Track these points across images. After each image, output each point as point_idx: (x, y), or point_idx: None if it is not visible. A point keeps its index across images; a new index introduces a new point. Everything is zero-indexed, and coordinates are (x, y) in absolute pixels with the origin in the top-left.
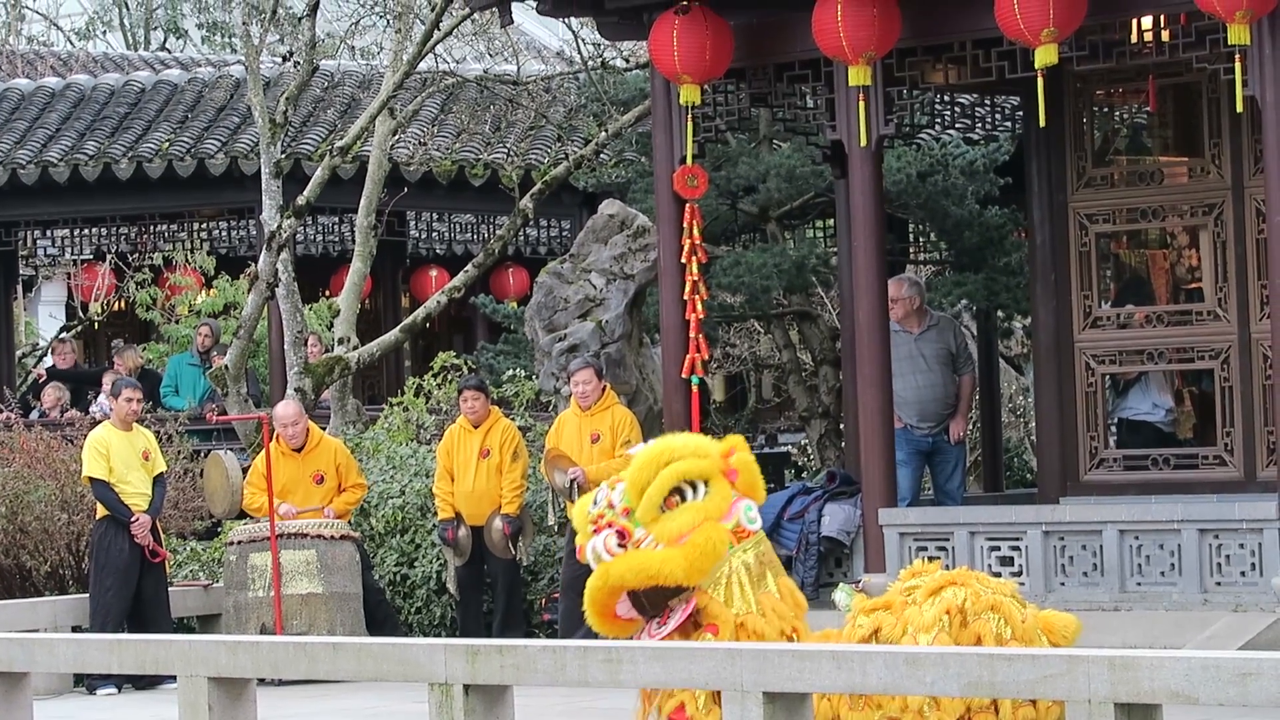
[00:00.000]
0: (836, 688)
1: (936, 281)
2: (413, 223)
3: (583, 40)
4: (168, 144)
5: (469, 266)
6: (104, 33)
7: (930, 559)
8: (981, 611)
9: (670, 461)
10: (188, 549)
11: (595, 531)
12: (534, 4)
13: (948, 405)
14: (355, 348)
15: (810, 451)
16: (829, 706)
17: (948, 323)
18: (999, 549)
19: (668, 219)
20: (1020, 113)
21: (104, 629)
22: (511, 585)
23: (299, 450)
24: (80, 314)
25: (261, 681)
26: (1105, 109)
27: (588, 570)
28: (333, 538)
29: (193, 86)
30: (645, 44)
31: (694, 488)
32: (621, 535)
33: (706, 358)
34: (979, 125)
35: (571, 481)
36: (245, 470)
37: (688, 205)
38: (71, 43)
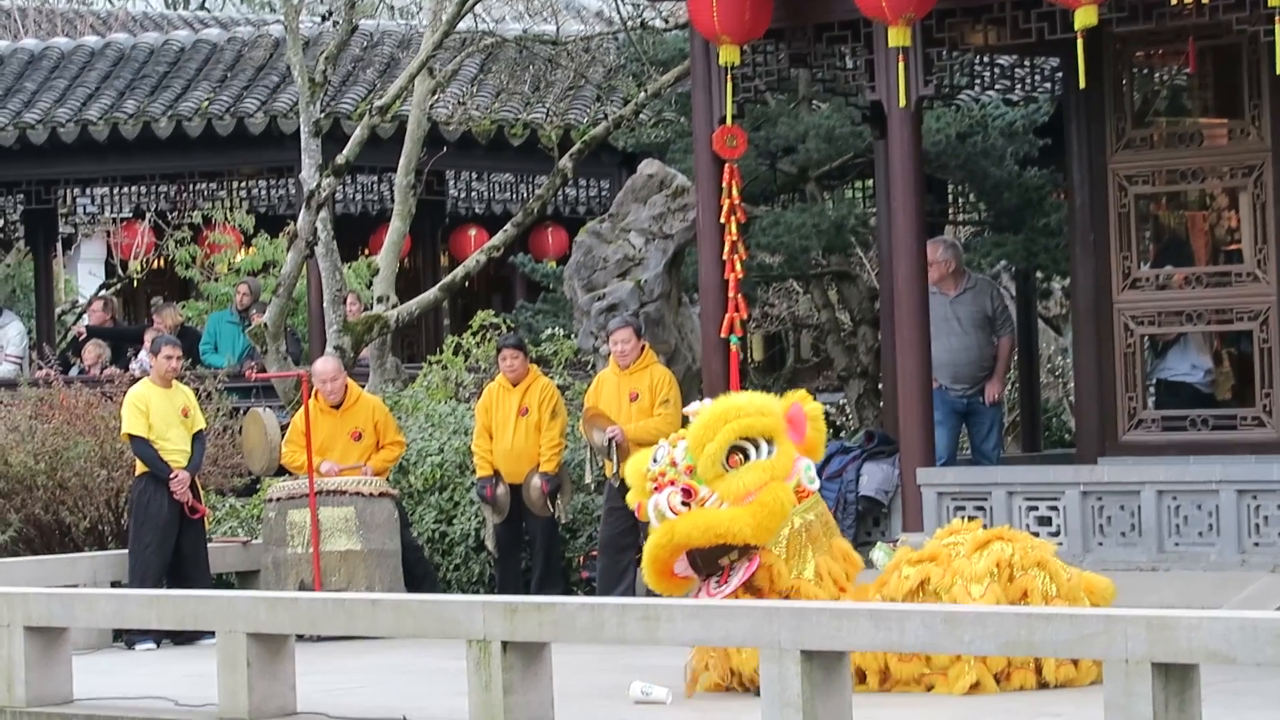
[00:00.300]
0: (874, 646)
1: (975, 242)
2: (452, 182)
3: (622, 0)
4: (207, 103)
5: (508, 226)
6: None
7: (968, 519)
8: (1029, 567)
9: (732, 418)
10: (226, 505)
11: (656, 489)
12: None
13: (982, 368)
14: (394, 306)
15: (848, 411)
16: (875, 659)
17: (985, 285)
18: (1037, 509)
19: (707, 179)
20: (1060, 74)
21: (143, 585)
22: (550, 543)
23: (337, 407)
24: (120, 272)
25: (300, 637)
26: (1145, 70)
27: (626, 528)
28: (371, 495)
29: (232, 45)
30: (684, 4)
31: (757, 446)
32: (687, 493)
33: (745, 317)
34: (1018, 86)
35: (610, 440)
36: (284, 427)
37: (727, 165)
38: (110, 2)
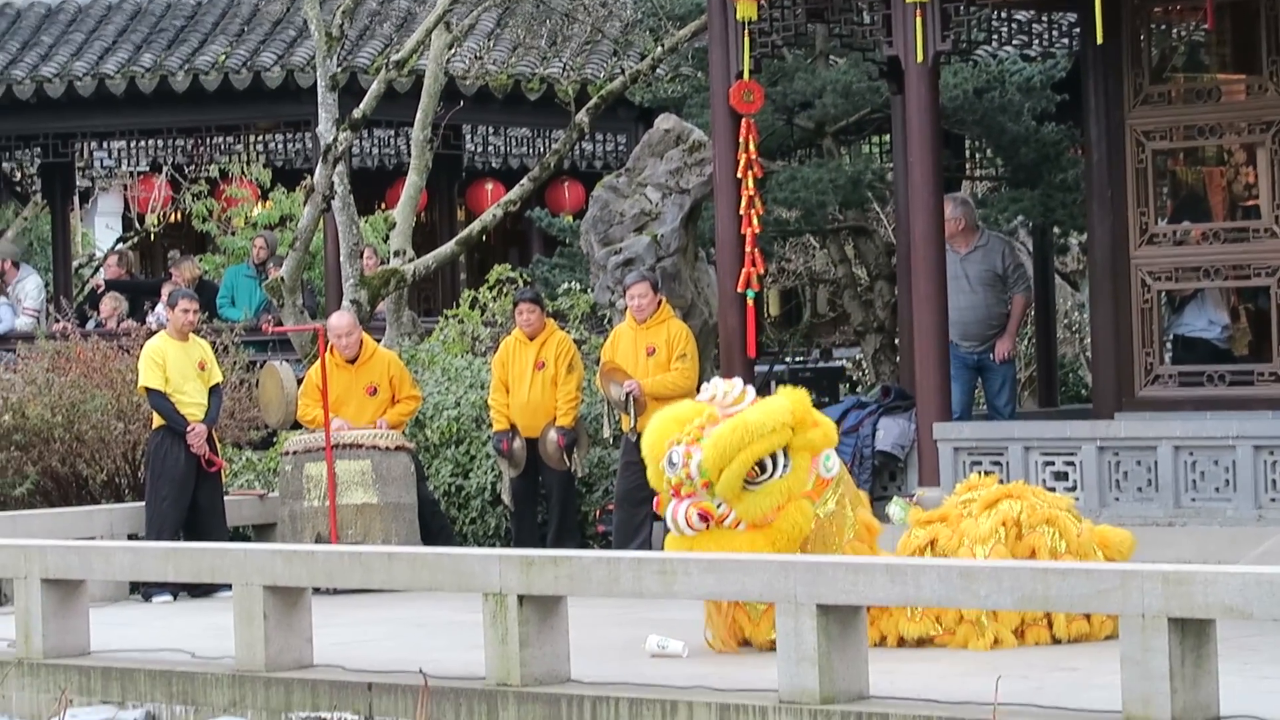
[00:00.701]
0: (890, 601)
1: (992, 198)
2: (468, 136)
3: None
4: (224, 57)
5: (524, 180)
6: None
7: (985, 474)
8: (1037, 525)
9: (749, 442)
10: (243, 459)
11: (674, 494)
12: None
13: (991, 326)
14: (411, 260)
15: (865, 366)
16: (891, 620)
17: (997, 243)
18: (1053, 464)
19: (724, 134)
20: (1077, 29)
21: (160, 538)
22: (566, 497)
23: (352, 362)
24: (136, 225)
25: (316, 591)
26: (1163, 26)
27: (642, 482)
28: (388, 449)
29: (249, 0)
30: None
31: (774, 459)
32: (704, 517)
33: (762, 272)
34: (1036, 42)
35: (627, 395)
36: (300, 381)
37: (744, 120)
38: None
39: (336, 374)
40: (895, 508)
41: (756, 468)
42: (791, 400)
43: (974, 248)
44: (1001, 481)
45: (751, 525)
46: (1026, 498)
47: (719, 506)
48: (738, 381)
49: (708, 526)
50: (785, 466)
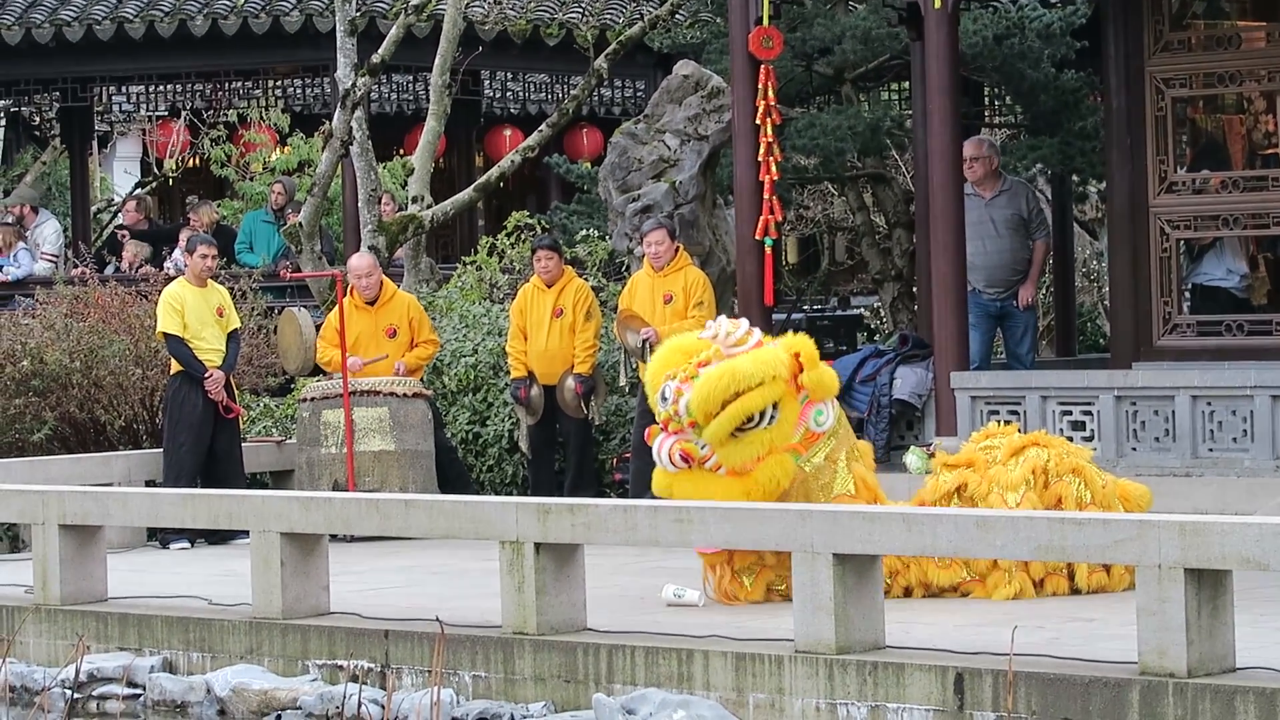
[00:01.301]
0: (907, 550)
1: (1011, 145)
2: (487, 82)
3: None
4: (243, 1)
5: (543, 126)
6: None
7: (1004, 423)
8: (1064, 474)
9: (739, 391)
10: (261, 405)
11: (663, 428)
12: None
13: (1017, 271)
14: (429, 206)
15: (883, 314)
16: (919, 570)
17: (1021, 187)
18: (1071, 414)
19: (742, 80)
20: None
21: (177, 484)
22: (583, 445)
23: (372, 304)
24: (155, 170)
25: (333, 538)
26: None
27: None
28: (405, 395)
29: None
30: None
31: (761, 413)
32: (685, 457)
33: (780, 219)
34: None
35: (644, 342)
36: (318, 327)
37: (762, 66)
38: None
39: (356, 316)
40: (912, 457)
41: (745, 419)
42: (790, 349)
43: (999, 191)
44: (1021, 431)
45: (731, 471)
46: (1053, 445)
47: (702, 449)
48: (743, 322)
49: (689, 466)
50: (772, 418)
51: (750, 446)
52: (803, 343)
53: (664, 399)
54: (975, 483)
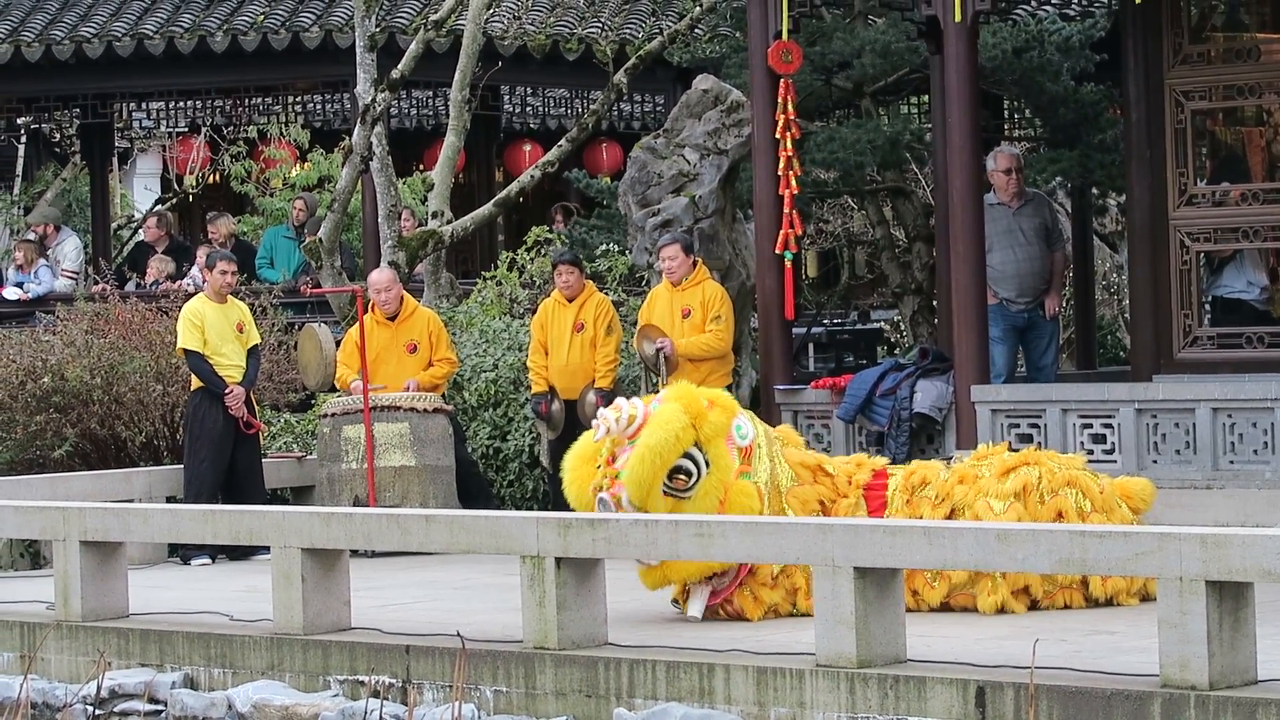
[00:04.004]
0: (928, 563)
1: (1031, 158)
2: (507, 97)
3: None
4: (263, 17)
5: (563, 141)
6: None
7: (1023, 436)
8: (1059, 488)
9: (665, 462)
10: (281, 421)
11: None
12: None
13: (1044, 280)
14: (449, 221)
15: (903, 328)
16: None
17: (1042, 199)
18: (1091, 426)
19: (762, 94)
20: None
21: (198, 500)
22: None
23: (392, 319)
24: (175, 186)
25: (354, 553)
26: None
27: None
28: (426, 411)
29: None
30: None
31: (694, 459)
32: None
33: (800, 233)
34: (1075, 1)
35: (657, 351)
36: (338, 343)
37: (782, 80)
38: None
39: (376, 331)
40: None
41: (683, 476)
42: (678, 398)
43: (1025, 201)
44: (1040, 445)
45: None
46: (1043, 463)
47: None
48: (621, 403)
49: None
50: (706, 464)
51: (708, 496)
52: (682, 388)
53: (607, 508)
54: (962, 493)
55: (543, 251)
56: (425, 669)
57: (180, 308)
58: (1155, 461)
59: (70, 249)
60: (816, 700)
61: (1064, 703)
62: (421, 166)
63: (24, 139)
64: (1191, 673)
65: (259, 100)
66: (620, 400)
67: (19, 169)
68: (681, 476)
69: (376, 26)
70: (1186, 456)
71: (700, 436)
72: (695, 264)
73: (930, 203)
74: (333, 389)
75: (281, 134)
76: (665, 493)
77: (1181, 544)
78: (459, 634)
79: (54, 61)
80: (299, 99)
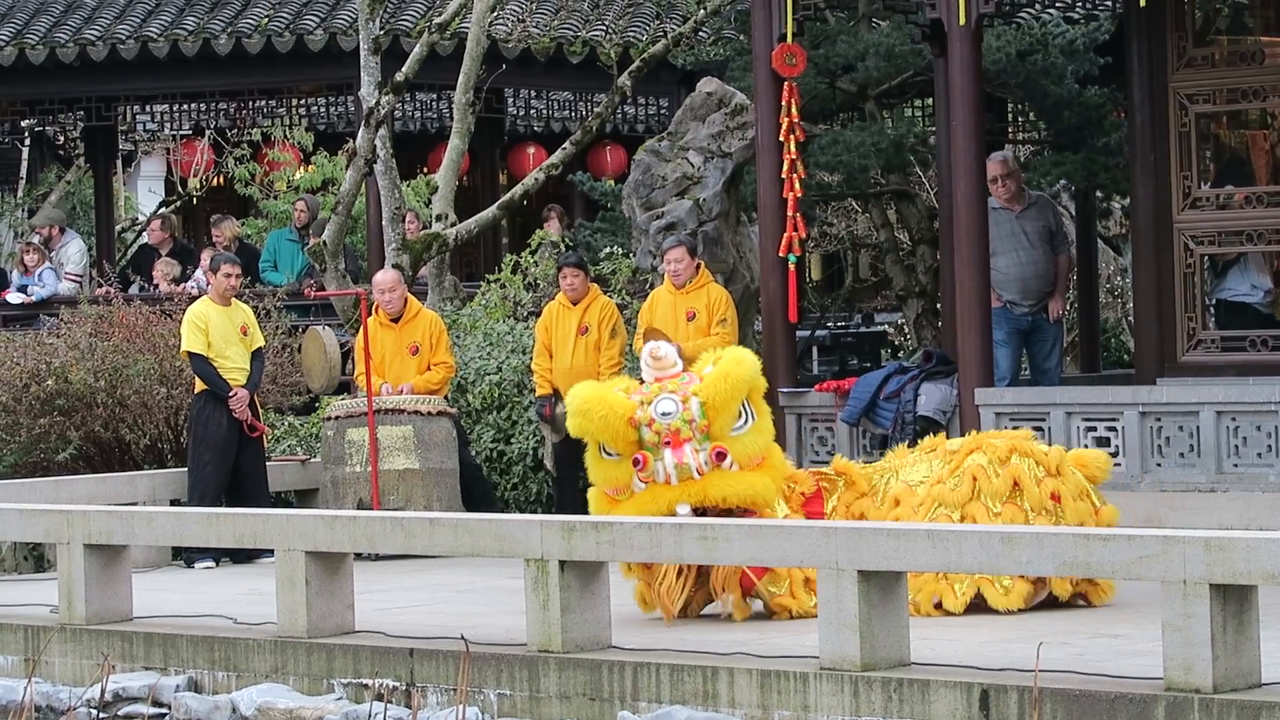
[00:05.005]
0: (931, 567)
1: (1035, 161)
2: (511, 100)
3: None
4: (267, 20)
5: (567, 144)
6: None
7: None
8: (1008, 457)
9: (746, 387)
10: (285, 424)
11: (668, 444)
12: None
13: (1048, 283)
14: (453, 224)
15: (907, 331)
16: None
17: (1045, 202)
18: (1095, 429)
19: (766, 97)
20: None
21: (202, 503)
22: None
23: (396, 320)
24: (179, 189)
25: (358, 556)
26: None
27: None
28: (430, 413)
29: None
30: None
31: (743, 406)
32: (720, 455)
33: (804, 236)
34: (1079, 4)
35: None
36: (342, 345)
37: (786, 83)
38: None
39: (380, 333)
40: None
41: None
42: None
43: (1028, 204)
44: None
45: (743, 468)
46: (984, 445)
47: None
48: (663, 345)
49: (719, 465)
50: (753, 413)
51: (760, 436)
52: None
53: (665, 414)
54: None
55: (546, 255)
56: (429, 672)
57: (184, 311)
58: (1159, 464)
59: (74, 252)
60: (820, 703)
61: (1068, 706)
62: (426, 169)
63: (28, 141)
64: (1195, 676)
65: (263, 103)
66: (661, 344)
67: (23, 171)
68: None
69: (380, 29)
70: (1190, 459)
71: (752, 392)
72: (698, 267)
73: (934, 206)
74: (338, 391)
75: (285, 137)
76: None
77: (1185, 547)
78: (463, 637)
79: (58, 64)
80: (303, 102)
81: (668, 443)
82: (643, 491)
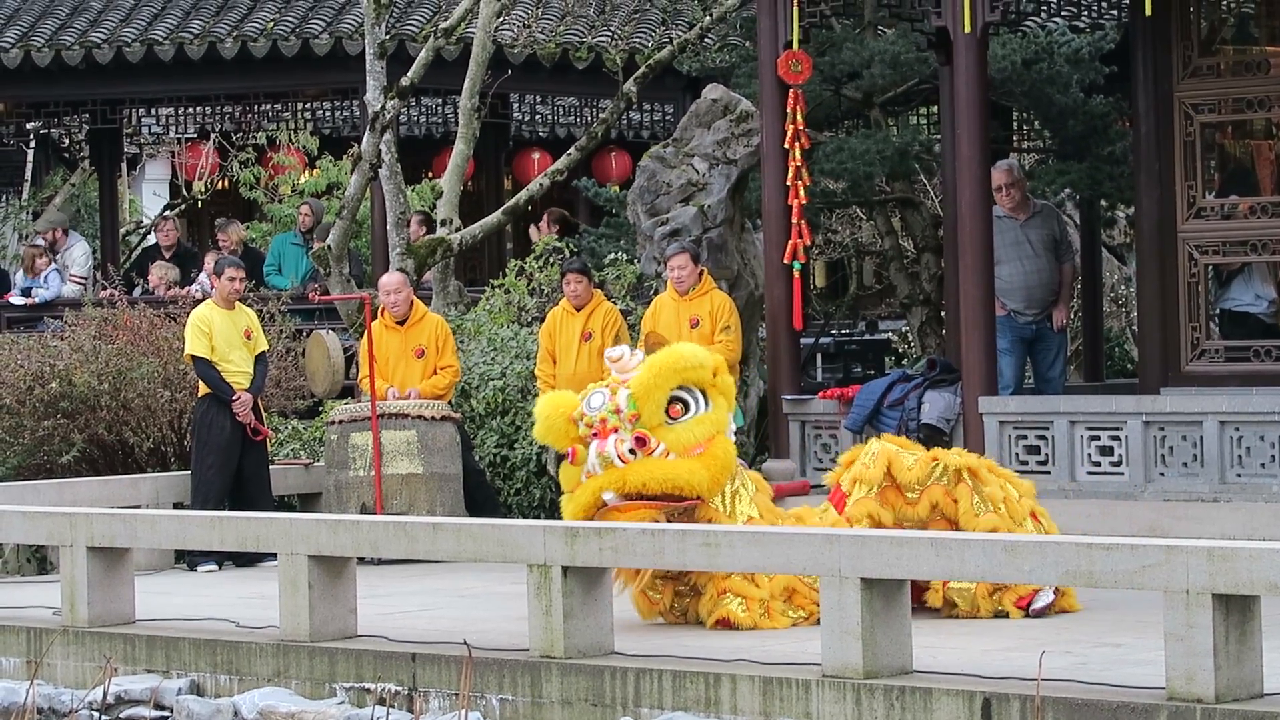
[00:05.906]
0: (934, 575)
1: (1040, 170)
2: (516, 105)
3: None
4: (273, 23)
5: (571, 149)
6: None
7: (1030, 448)
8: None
9: (677, 374)
10: (289, 428)
11: (596, 435)
12: None
13: (1053, 292)
14: (457, 229)
15: (911, 338)
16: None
17: (1050, 210)
18: (1099, 438)
19: (771, 104)
20: (1126, 1)
21: (205, 506)
22: None
23: (402, 323)
24: (184, 192)
25: (361, 560)
26: None
27: None
28: (433, 418)
29: None
30: None
31: (694, 398)
32: (640, 441)
33: (808, 243)
34: (1085, 13)
35: None
36: (346, 350)
37: (791, 90)
38: None
39: (385, 336)
40: None
41: (680, 405)
42: (702, 350)
43: (1032, 213)
44: (1047, 456)
45: (681, 455)
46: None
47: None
48: (625, 349)
49: (635, 456)
50: (707, 405)
51: (700, 426)
52: (718, 361)
53: (592, 407)
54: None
55: (551, 260)
56: (431, 677)
57: (188, 314)
58: (1162, 474)
59: (79, 254)
60: (822, 711)
61: (1070, 714)
62: (430, 174)
63: (33, 144)
64: (1198, 685)
65: (268, 106)
66: (624, 347)
67: (28, 174)
68: (678, 406)
69: (386, 34)
70: (1194, 469)
71: (709, 383)
72: (701, 274)
73: (939, 213)
74: (342, 395)
75: (291, 140)
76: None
77: (1188, 557)
78: (465, 642)
79: (63, 66)
80: (308, 106)
81: (595, 434)
82: (580, 485)
